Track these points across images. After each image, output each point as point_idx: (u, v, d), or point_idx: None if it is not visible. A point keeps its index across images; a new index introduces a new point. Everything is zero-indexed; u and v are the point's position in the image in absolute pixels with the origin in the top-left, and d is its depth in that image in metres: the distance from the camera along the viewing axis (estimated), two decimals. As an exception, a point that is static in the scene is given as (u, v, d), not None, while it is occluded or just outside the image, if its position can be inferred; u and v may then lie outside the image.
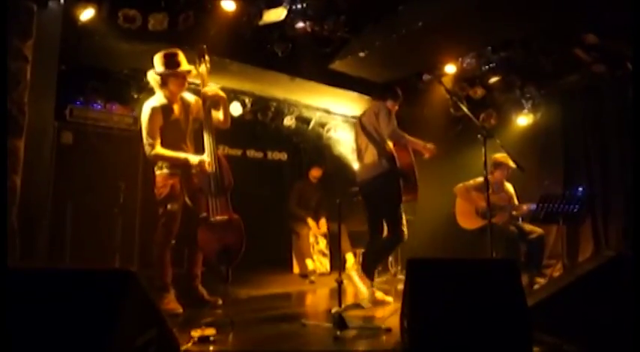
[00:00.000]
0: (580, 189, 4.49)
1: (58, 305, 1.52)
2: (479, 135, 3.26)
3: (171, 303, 3.25)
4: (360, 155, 3.94)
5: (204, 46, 3.41)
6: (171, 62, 3.28)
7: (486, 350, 1.97)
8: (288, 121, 6.16)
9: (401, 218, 3.71)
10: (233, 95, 5.68)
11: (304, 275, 5.32)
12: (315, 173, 5.93)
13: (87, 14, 3.68)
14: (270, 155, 6.61)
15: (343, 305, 3.07)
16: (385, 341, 2.67)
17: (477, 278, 2.10)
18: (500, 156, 4.61)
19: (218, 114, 3.50)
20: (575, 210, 4.22)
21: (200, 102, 3.44)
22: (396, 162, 3.71)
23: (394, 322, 2.89)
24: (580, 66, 4.89)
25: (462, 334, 1.97)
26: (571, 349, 2.32)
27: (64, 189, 3.96)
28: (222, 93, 3.45)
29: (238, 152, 6.25)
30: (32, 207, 3.27)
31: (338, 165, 6.71)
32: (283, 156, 6.74)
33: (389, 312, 3.29)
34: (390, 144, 3.78)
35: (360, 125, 3.91)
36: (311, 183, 5.94)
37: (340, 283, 3.00)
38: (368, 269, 3.75)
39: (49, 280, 1.57)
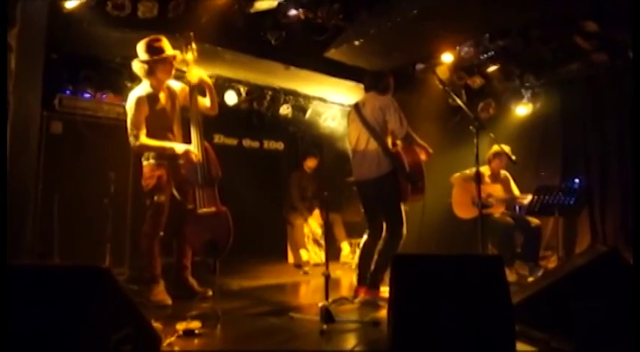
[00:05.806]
0: (576, 180, 4.42)
1: (24, 304, 1.49)
2: (471, 127, 3.20)
3: (161, 295, 3.25)
4: (358, 149, 3.55)
5: (191, 34, 3.37)
6: (154, 48, 3.23)
7: (470, 344, 1.97)
8: (285, 110, 6.08)
9: (402, 218, 3.46)
10: (228, 84, 5.62)
11: (298, 265, 5.31)
12: (310, 163, 5.89)
13: (72, 2, 3.60)
14: (266, 144, 6.54)
15: (330, 299, 3.04)
16: (372, 335, 2.65)
17: (462, 274, 2.10)
18: (500, 146, 4.54)
19: (205, 101, 3.46)
20: (572, 202, 4.16)
21: (187, 89, 3.42)
22: (402, 161, 3.45)
23: (382, 316, 2.88)
24: (580, 54, 4.78)
25: (446, 328, 1.98)
26: (559, 345, 2.29)
27: (53, 179, 3.92)
28: (207, 79, 3.42)
29: (234, 141, 6.20)
30: (18, 198, 3.24)
31: (335, 154, 6.65)
32: (280, 145, 6.67)
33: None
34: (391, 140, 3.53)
35: (360, 117, 3.52)
36: (306, 173, 5.90)
37: (327, 276, 2.97)
38: (376, 281, 3.44)
39: (18, 278, 1.54)
